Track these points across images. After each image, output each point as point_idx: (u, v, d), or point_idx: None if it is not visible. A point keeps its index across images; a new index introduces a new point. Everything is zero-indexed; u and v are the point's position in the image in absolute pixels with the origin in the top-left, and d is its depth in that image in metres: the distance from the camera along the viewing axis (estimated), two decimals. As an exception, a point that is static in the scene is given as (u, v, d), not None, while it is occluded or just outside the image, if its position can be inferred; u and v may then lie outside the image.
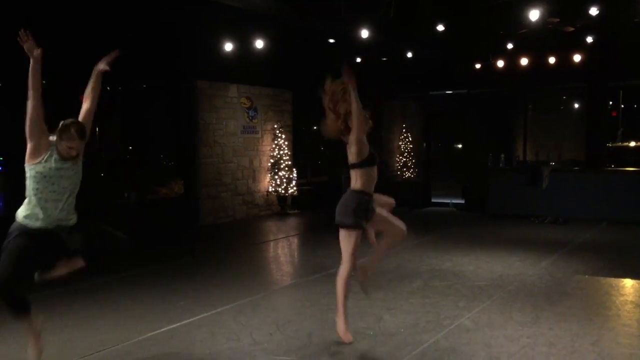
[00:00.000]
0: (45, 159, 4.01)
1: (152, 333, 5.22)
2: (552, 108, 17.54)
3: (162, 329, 5.32)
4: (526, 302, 6.04)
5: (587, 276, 7.22)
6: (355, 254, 4.63)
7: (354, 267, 4.67)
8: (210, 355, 4.66)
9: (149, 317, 5.74)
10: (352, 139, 4.58)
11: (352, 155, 4.63)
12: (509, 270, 7.51)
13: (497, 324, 5.31)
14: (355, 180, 4.64)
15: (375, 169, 4.69)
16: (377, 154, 4.79)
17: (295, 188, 13.69)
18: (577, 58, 12.37)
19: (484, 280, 7.01)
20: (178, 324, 5.46)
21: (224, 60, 11.31)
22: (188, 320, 5.57)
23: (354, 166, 4.63)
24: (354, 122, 4.51)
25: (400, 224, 4.85)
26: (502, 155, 13.55)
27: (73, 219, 4.23)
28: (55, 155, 4.03)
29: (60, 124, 4.06)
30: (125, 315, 5.83)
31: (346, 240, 4.62)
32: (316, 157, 16.07)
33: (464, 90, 14.49)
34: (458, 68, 13.82)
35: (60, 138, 4.02)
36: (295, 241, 10.61)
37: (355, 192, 4.63)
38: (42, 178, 3.98)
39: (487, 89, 14.40)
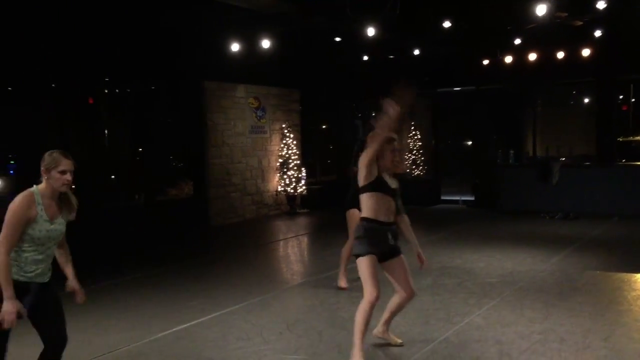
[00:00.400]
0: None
1: (163, 333, 5.25)
2: (561, 103, 17.43)
3: (173, 329, 5.35)
4: (537, 298, 6.01)
5: (598, 272, 7.18)
6: (373, 283, 4.19)
7: (376, 299, 4.22)
8: (220, 355, 4.68)
9: (160, 317, 5.77)
10: (360, 161, 4.31)
11: (360, 179, 4.33)
12: (519, 267, 7.48)
13: (507, 321, 5.29)
14: (364, 207, 4.33)
15: (386, 197, 4.30)
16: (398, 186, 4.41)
17: (304, 187, 13.70)
18: (585, 52, 12.28)
19: (494, 277, 6.99)
20: (189, 324, 5.49)
21: (232, 61, 11.34)
22: (198, 320, 5.60)
23: (360, 190, 4.34)
24: (371, 146, 4.25)
25: (412, 284, 4.53)
26: (512, 152, 13.48)
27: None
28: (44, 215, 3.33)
29: (46, 164, 3.33)
30: (136, 315, 5.87)
31: (360, 269, 4.29)
32: (325, 156, 16.07)
33: (472, 87, 14.42)
34: (466, 65, 13.75)
35: (49, 173, 3.31)
36: (304, 240, 10.62)
37: (362, 219, 4.34)
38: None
39: (495, 85, 14.33)
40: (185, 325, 5.45)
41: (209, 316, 5.72)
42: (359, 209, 4.47)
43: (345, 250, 6.48)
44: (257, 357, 4.60)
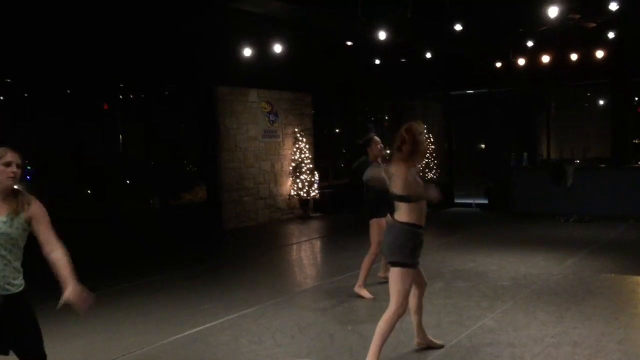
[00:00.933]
0: None
1: (177, 336, 5.30)
2: (575, 105, 17.31)
3: (186, 332, 5.39)
4: (550, 301, 5.98)
5: (613, 275, 7.12)
6: (407, 297, 4.24)
7: (404, 313, 4.25)
8: (233, 358, 4.71)
9: (174, 320, 5.81)
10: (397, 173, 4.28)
11: (397, 187, 4.25)
12: (533, 270, 7.44)
13: (520, 324, 5.27)
14: (407, 212, 4.21)
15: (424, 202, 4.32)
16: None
17: (317, 191, 13.73)
18: (599, 54, 12.20)
19: (507, 280, 6.96)
20: (202, 327, 5.53)
21: (244, 66, 11.41)
22: (212, 324, 5.64)
23: (402, 199, 4.22)
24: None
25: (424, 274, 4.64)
26: (525, 154, 13.43)
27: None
28: None
29: None
30: (150, 319, 5.92)
31: (400, 280, 4.16)
32: (338, 159, 16.09)
33: (484, 90, 14.39)
34: (478, 67, 13.72)
35: None
36: (317, 244, 10.64)
37: (409, 226, 4.18)
38: None
39: (508, 88, 14.28)
40: (198, 329, 5.50)
41: (222, 319, 5.76)
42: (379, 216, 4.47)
43: (368, 260, 6.37)
44: (269, 360, 4.63)
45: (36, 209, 3.14)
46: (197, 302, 6.47)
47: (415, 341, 4.75)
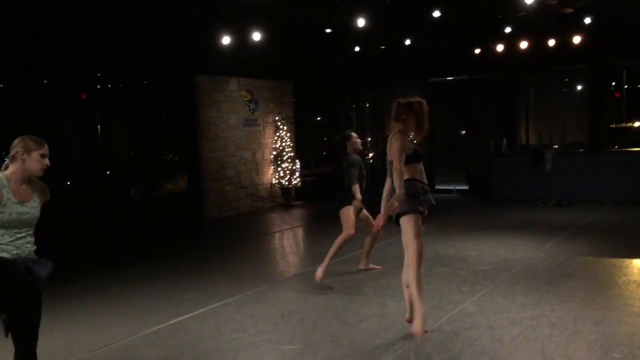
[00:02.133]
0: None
1: (159, 326, 5.29)
2: (554, 91, 17.47)
3: (169, 322, 5.39)
4: (529, 285, 6.07)
5: (590, 257, 7.24)
6: (419, 238, 4.67)
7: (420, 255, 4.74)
8: (216, 347, 4.72)
9: (156, 310, 5.80)
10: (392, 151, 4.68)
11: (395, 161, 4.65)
12: (512, 254, 7.54)
13: (500, 308, 5.34)
14: (406, 174, 4.68)
15: (420, 165, 4.81)
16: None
17: (298, 179, 13.73)
18: (576, 40, 12.31)
19: (487, 264, 7.05)
20: (184, 317, 5.53)
21: (223, 54, 11.33)
22: (194, 313, 5.64)
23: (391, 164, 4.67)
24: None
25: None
26: (505, 140, 13.55)
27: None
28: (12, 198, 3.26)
29: (25, 146, 3.30)
30: (132, 309, 5.90)
31: (406, 225, 4.66)
32: (320, 147, 16.10)
33: (464, 76, 14.45)
34: (458, 54, 13.77)
35: (27, 156, 3.30)
36: (299, 232, 10.66)
37: (407, 181, 4.63)
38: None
39: (488, 74, 14.35)
40: (180, 318, 5.49)
41: (204, 309, 5.76)
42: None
43: (339, 241, 6.50)
44: (252, 348, 4.65)
45: (48, 195, 3.46)
46: (179, 292, 6.46)
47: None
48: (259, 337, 4.87)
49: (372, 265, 7.01)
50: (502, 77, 14.64)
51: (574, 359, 4.16)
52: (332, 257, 6.48)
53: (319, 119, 16.64)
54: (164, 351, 4.70)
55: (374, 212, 6.36)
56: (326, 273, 6.42)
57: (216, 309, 5.75)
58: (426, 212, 4.76)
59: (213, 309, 5.75)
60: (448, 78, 15.15)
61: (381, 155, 16.21)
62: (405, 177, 4.62)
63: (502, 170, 12.99)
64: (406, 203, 4.59)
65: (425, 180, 4.80)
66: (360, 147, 6.73)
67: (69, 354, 4.71)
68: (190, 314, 5.61)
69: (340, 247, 6.49)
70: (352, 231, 6.44)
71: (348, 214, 6.46)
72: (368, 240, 6.91)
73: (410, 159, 4.68)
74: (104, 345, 4.85)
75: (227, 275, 7.18)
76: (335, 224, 6.87)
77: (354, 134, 6.73)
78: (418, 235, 4.65)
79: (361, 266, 7.02)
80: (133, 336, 5.06)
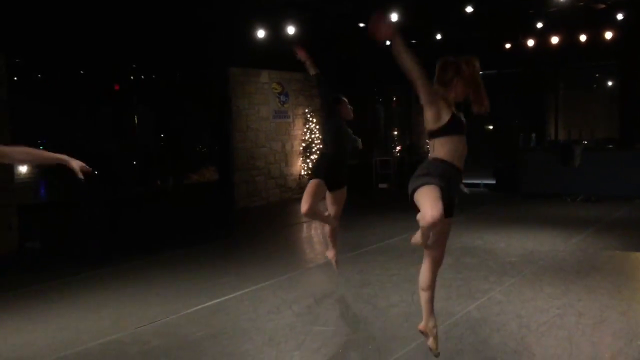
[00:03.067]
0: None
1: (198, 307, 5.56)
2: (584, 86, 17.37)
3: (208, 303, 5.65)
4: (556, 276, 6.19)
5: (617, 251, 7.32)
6: (439, 216, 3.27)
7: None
8: (254, 326, 4.97)
9: (194, 292, 6.08)
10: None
11: (426, 122, 3.68)
12: (540, 247, 7.65)
13: (527, 297, 5.49)
14: (433, 149, 3.65)
15: (459, 139, 3.65)
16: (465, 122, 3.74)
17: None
18: (608, 35, 12.27)
19: (515, 256, 7.18)
20: (222, 299, 5.79)
21: (256, 47, 11.56)
22: (231, 295, 5.89)
23: (430, 134, 3.67)
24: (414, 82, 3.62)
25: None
26: (533, 135, 13.55)
27: None
28: None
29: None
30: (171, 291, 6.19)
31: (419, 196, 3.45)
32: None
33: (493, 71, 14.47)
34: (488, 48, 13.79)
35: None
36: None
37: (431, 159, 3.63)
38: None
39: (517, 69, 14.36)
40: (218, 300, 5.75)
41: (240, 292, 6.01)
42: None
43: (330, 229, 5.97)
44: (288, 328, 4.88)
45: None
46: (214, 276, 6.72)
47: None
48: (294, 318, 5.10)
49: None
50: (532, 72, 14.64)
51: (600, 346, 4.30)
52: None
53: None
54: (205, 329, 4.95)
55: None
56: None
57: (252, 292, 5.99)
58: (453, 198, 3.74)
59: (249, 292, 6.00)
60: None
61: (409, 149, 16.34)
62: (432, 155, 3.63)
63: (530, 165, 13.02)
64: (415, 180, 3.55)
65: (460, 164, 3.63)
66: (352, 115, 6.05)
67: (117, 329, 5.00)
68: (227, 296, 5.86)
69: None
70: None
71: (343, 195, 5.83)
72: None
73: (445, 129, 3.58)
74: (148, 323, 5.13)
75: (259, 262, 7.43)
76: (362, 214, 7.04)
77: (344, 99, 6.05)
78: (438, 211, 3.28)
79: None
80: (175, 315, 5.33)
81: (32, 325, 5.20)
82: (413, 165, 4.68)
